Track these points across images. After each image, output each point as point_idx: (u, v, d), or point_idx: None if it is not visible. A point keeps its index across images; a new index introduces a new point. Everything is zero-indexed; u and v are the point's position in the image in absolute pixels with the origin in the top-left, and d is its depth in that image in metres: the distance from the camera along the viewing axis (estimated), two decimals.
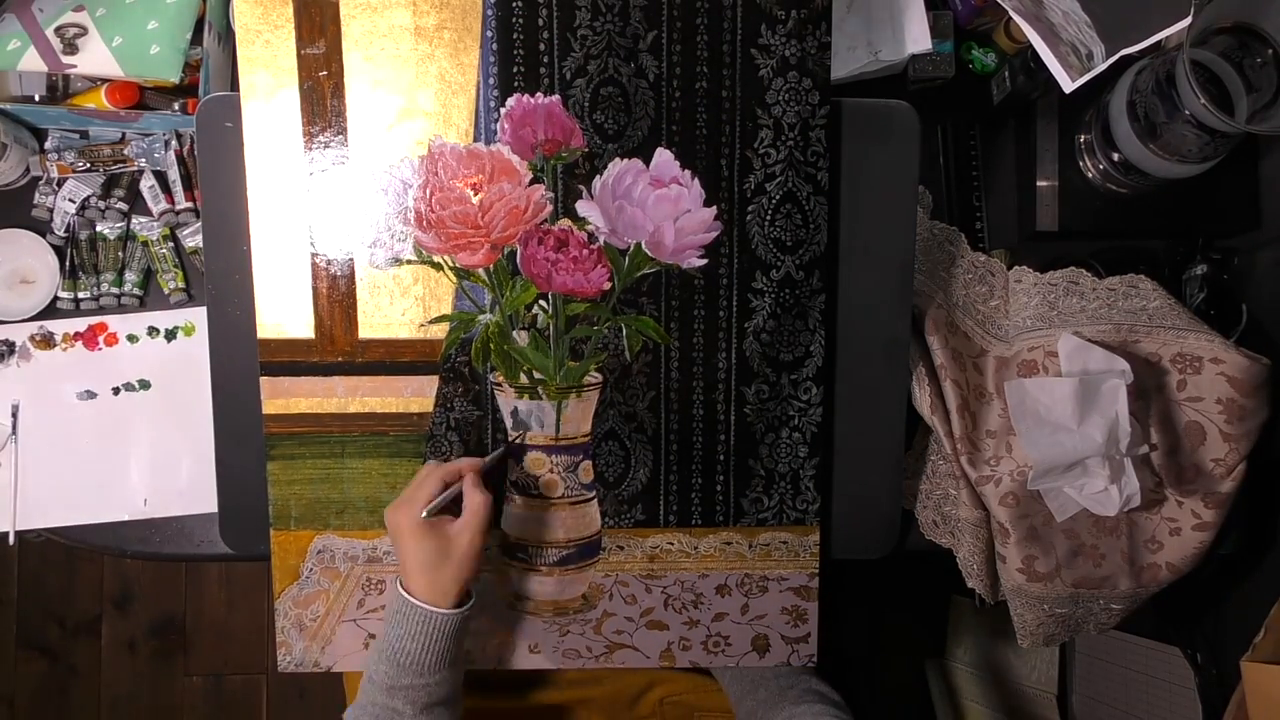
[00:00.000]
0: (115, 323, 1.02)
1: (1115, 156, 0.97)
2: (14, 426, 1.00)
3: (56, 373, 1.01)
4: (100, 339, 1.01)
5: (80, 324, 1.01)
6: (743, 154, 0.83)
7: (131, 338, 1.01)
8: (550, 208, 0.82)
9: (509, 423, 0.86)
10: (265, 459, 0.85)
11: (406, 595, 0.77)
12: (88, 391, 1.01)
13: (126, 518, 1.00)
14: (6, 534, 1.00)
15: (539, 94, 0.81)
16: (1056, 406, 0.87)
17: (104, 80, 0.96)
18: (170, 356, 1.02)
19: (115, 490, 1.01)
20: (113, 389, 1.02)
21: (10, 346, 1.01)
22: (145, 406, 1.02)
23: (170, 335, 1.02)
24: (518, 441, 0.86)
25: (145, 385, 1.01)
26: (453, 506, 0.79)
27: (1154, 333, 0.91)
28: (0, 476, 1.00)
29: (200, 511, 0.99)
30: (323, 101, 0.82)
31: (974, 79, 1.05)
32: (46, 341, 1.00)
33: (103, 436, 1.01)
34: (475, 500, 0.78)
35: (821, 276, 0.86)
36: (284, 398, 0.84)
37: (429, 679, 0.78)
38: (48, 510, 1.01)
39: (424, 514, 0.76)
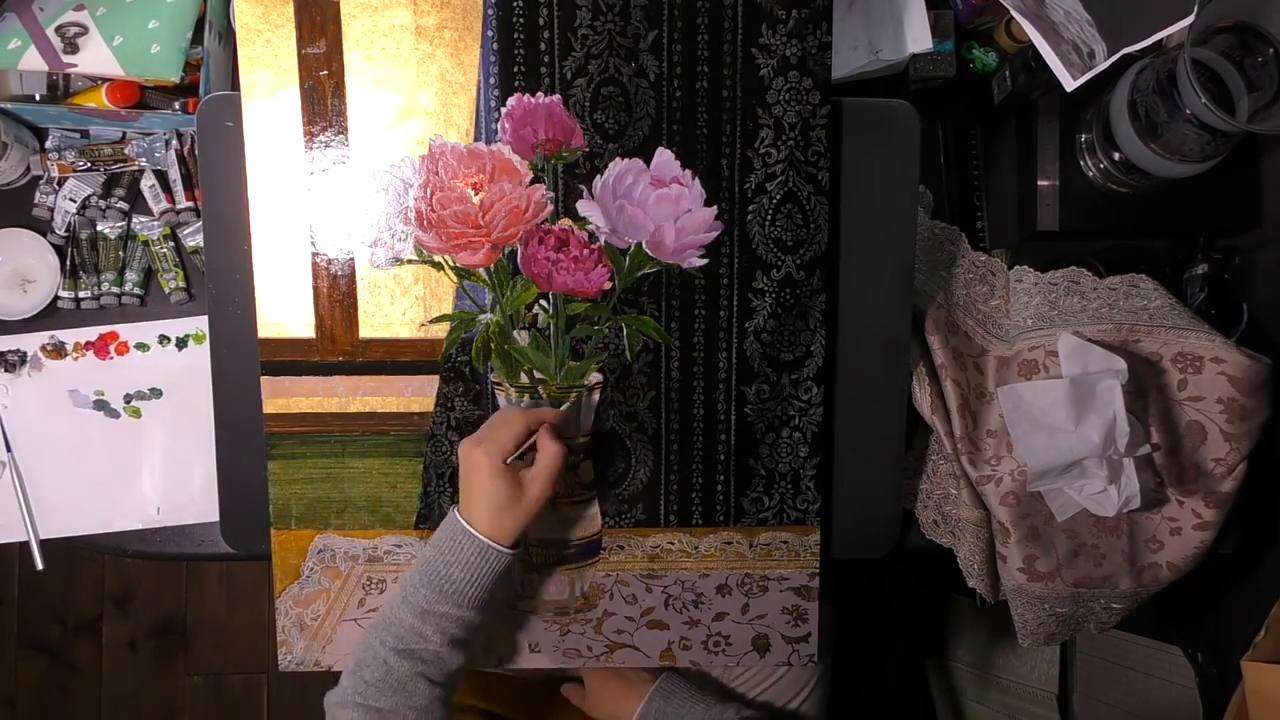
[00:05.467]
0: (126, 331, 1.02)
1: (1116, 156, 0.97)
2: (7, 443, 1.00)
3: (68, 382, 1.01)
4: (111, 348, 1.01)
5: (91, 333, 1.02)
6: (743, 153, 0.83)
7: (142, 346, 1.02)
8: (551, 207, 0.82)
9: None
10: (266, 458, 0.85)
11: (466, 524, 0.77)
12: (99, 400, 1.01)
13: (140, 526, 1.00)
14: (28, 545, 1.01)
15: (540, 93, 0.81)
16: (1051, 409, 0.87)
17: (104, 79, 0.96)
18: (181, 365, 1.02)
19: (128, 499, 1.01)
20: (124, 397, 1.02)
21: (22, 356, 1.01)
22: (157, 415, 1.02)
23: (181, 343, 1.02)
24: None
25: (157, 394, 1.02)
26: (528, 453, 0.80)
27: (1155, 332, 0.91)
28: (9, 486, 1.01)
29: (212, 520, 0.98)
30: (323, 101, 0.82)
31: (975, 78, 1.04)
32: (58, 351, 1.00)
33: (115, 445, 1.01)
34: (552, 450, 0.79)
35: (822, 276, 0.86)
36: (285, 397, 0.85)
37: (464, 612, 0.77)
38: (61, 519, 1.01)
39: (508, 460, 0.77)
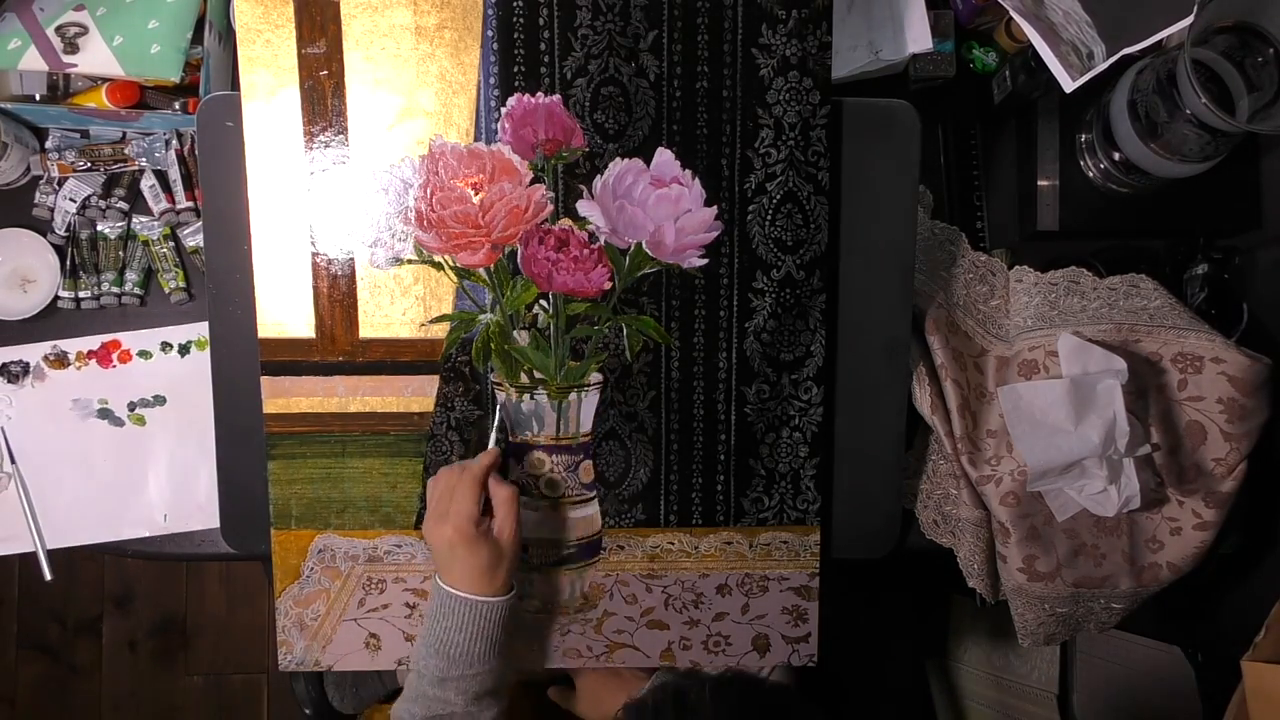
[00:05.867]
0: (128, 339, 1.02)
1: (1116, 156, 0.97)
2: (10, 455, 1.00)
3: (71, 391, 1.01)
4: (114, 356, 1.01)
5: (93, 342, 1.02)
6: (743, 153, 0.83)
7: (144, 354, 1.02)
8: (551, 207, 0.82)
9: (509, 422, 0.86)
10: (266, 458, 0.85)
11: (454, 591, 0.78)
12: (103, 409, 1.01)
13: (147, 534, 1.00)
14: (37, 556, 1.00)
15: (540, 93, 0.81)
16: (1051, 409, 0.87)
17: (105, 79, 0.96)
18: (184, 371, 1.02)
19: (135, 507, 1.01)
20: (128, 405, 1.02)
21: (25, 367, 1.01)
22: (161, 422, 1.02)
23: (184, 350, 1.02)
24: (517, 441, 0.86)
25: (160, 401, 1.01)
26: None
27: (1155, 332, 0.91)
28: (14, 500, 1.00)
29: (218, 525, 0.98)
30: (323, 101, 0.82)
31: (975, 78, 1.05)
32: (60, 360, 1.00)
33: (120, 453, 1.01)
34: (504, 494, 0.80)
35: (822, 276, 0.86)
36: (285, 397, 0.84)
37: (479, 668, 0.79)
38: (68, 529, 1.01)
39: (478, 525, 0.78)
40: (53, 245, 1.01)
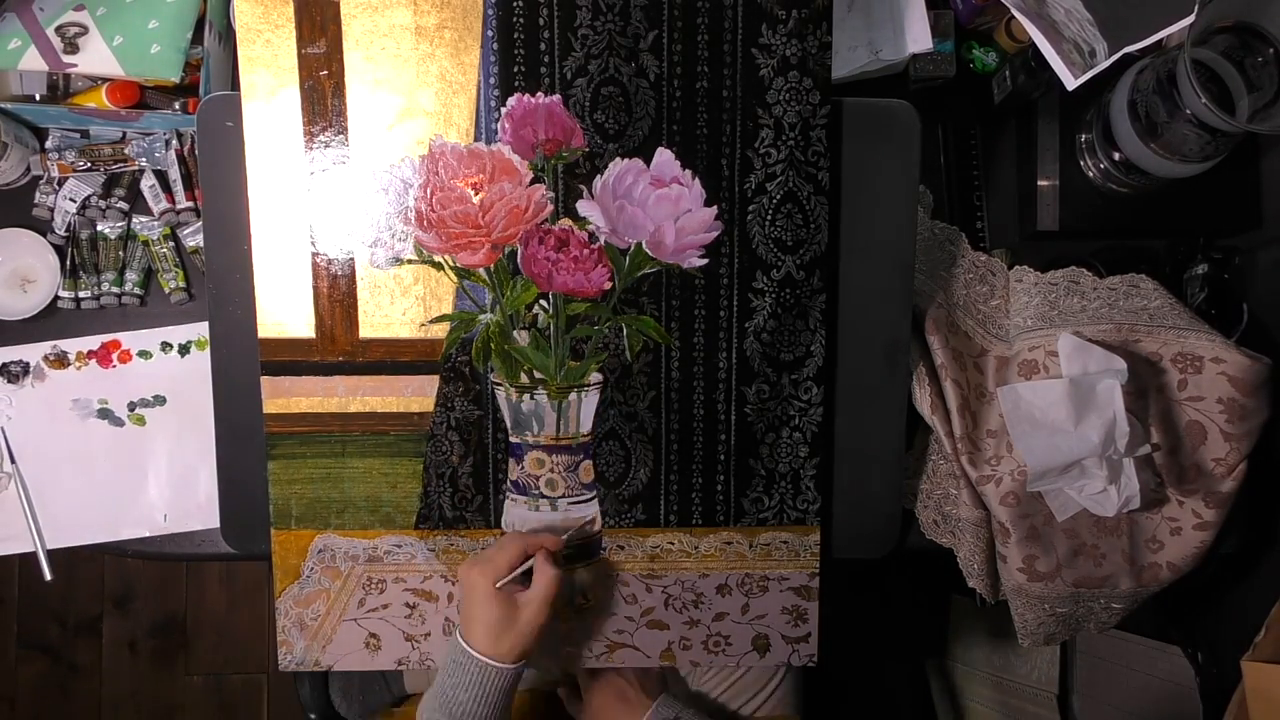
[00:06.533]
0: (128, 339, 1.02)
1: (1116, 156, 0.97)
2: (11, 455, 1.00)
3: (71, 391, 1.01)
4: (114, 356, 1.01)
5: (93, 342, 1.02)
6: (743, 153, 0.83)
7: (144, 354, 1.02)
8: (551, 207, 0.82)
9: (509, 422, 0.86)
10: (266, 458, 0.85)
11: (466, 646, 0.79)
12: (103, 409, 1.01)
13: (147, 534, 1.00)
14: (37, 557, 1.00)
15: (540, 93, 0.81)
16: (1051, 409, 0.87)
17: (105, 79, 0.96)
18: (184, 371, 1.02)
19: (135, 507, 1.01)
20: (128, 405, 1.02)
21: (25, 367, 1.01)
22: (161, 422, 1.02)
23: (184, 350, 1.02)
24: (517, 441, 0.86)
25: (160, 401, 1.02)
26: (525, 578, 0.81)
27: (1155, 332, 0.91)
28: (13, 501, 1.00)
29: (218, 525, 0.98)
30: (323, 101, 0.82)
31: (975, 78, 1.05)
32: (60, 361, 1.00)
33: (120, 454, 1.01)
34: (546, 575, 0.81)
35: (822, 276, 0.86)
36: (285, 397, 0.85)
37: None
38: (68, 529, 1.01)
39: (497, 584, 0.79)
40: (53, 245, 1.01)
